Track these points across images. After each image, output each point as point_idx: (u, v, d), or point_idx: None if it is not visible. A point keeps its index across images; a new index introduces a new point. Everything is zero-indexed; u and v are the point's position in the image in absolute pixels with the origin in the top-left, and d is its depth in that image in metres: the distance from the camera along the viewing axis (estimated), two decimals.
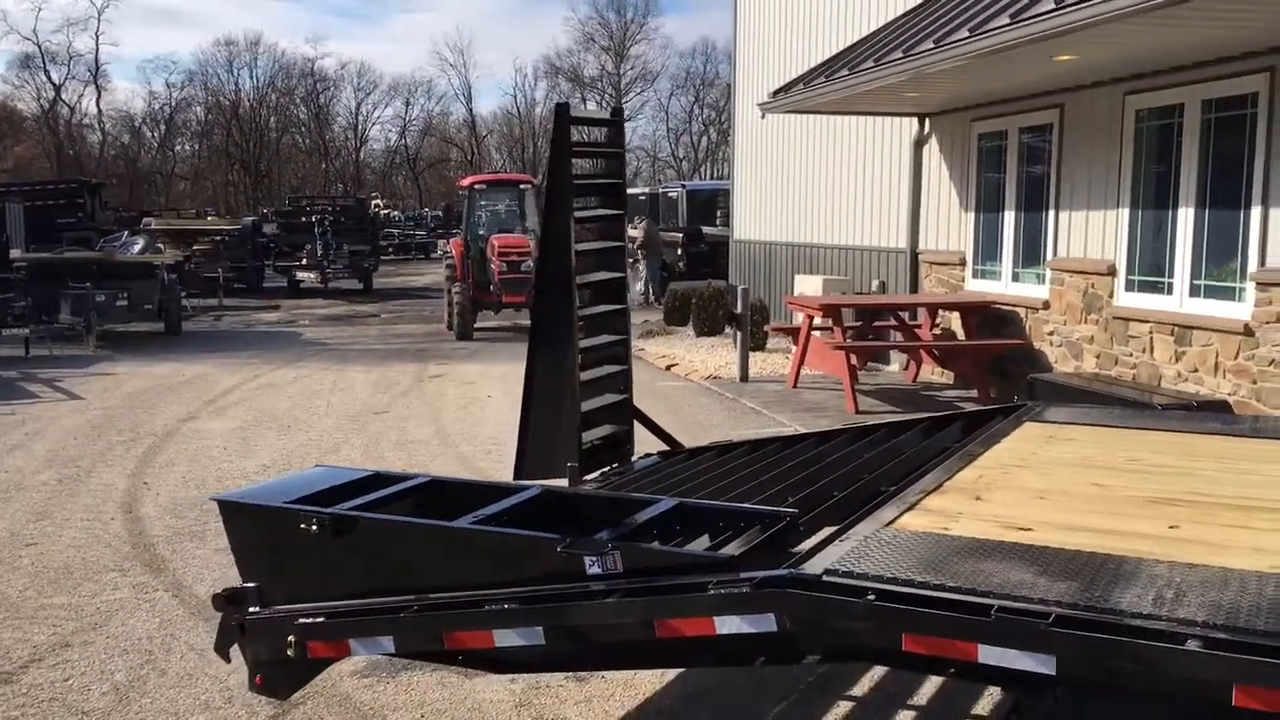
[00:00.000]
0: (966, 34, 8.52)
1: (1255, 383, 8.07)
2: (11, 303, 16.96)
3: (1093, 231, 9.97)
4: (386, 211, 49.16)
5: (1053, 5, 7.39)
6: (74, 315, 17.05)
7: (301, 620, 3.62)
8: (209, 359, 15.68)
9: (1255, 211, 8.10)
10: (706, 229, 26.05)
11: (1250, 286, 8.16)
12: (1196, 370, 8.67)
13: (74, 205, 25.60)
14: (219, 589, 3.94)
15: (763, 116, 14.48)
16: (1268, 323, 7.97)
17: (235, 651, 3.88)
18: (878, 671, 4.56)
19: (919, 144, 12.81)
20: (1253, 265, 8.13)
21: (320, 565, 3.70)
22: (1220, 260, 8.56)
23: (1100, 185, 9.82)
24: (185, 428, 10.49)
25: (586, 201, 5.50)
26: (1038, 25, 7.58)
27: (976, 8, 9.21)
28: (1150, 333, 9.21)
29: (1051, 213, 10.55)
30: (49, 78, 63.65)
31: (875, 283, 13.85)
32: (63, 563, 6.38)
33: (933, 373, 12.61)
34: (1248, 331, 8.14)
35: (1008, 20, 7.94)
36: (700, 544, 3.65)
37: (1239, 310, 8.29)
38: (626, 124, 5.74)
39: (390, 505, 3.92)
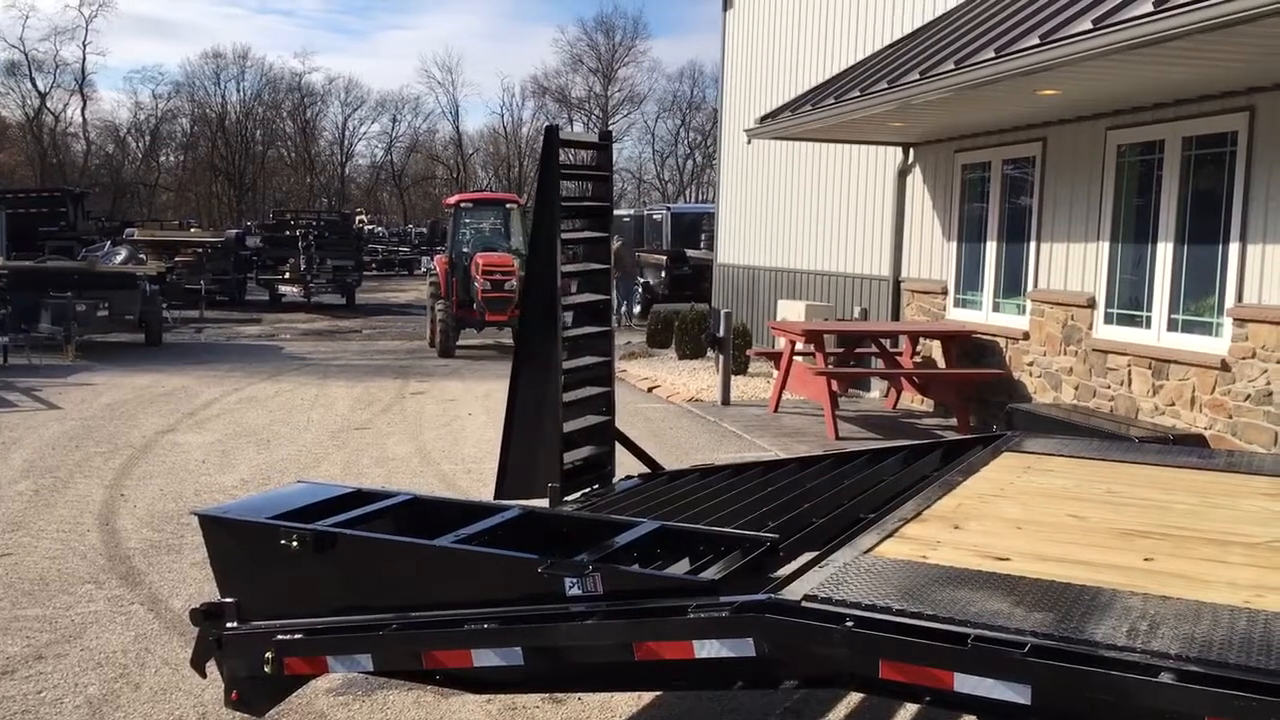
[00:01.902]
0: (952, 66, 8.62)
1: (1231, 418, 8.15)
2: None
3: (1073, 264, 10.07)
4: (371, 227, 49.11)
5: (1037, 41, 7.49)
6: (54, 324, 16.93)
7: (279, 636, 3.62)
8: (189, 371, 15.61)
9: (1233, 248, 8.20)
10: (690, 252, 26.16)
11: (1228, 322, 8.25)
12: (1173, 404, 8.75)
13: (56, 214, 25.46)
14: (195, 603, 3.94)
15: (749, 142, 14.58)
16: (1244, 358, 8.06)
17: (211, 667, 3.87)
18: (854, 698, 4.57)
19: (903, 173, 12.92)
20: (1230, 301, 8.22)
21: (300, 581, 3.69)
22: (1198, 295, 8.66)
23: (1081, 218, 9.92)
24: (164, 440, 10.43)
25: (573, 223, 5.53)
26: (1022, 60, 7.68)
27: (962, 41, 9.32)
28: (1128, 366, 9.29)
29: (1033, 244, 10.64)
30: (35, 85, 63.55)
31: (857, 310, 13.92)
32: (38, 574, 6.33)
33: (913, 400, 12.68)
34: (1224, 367, 8.22)
35: (993, 54, 8.04)
36: (680, 567, 3.66)
37: (1216, 345, 8.37)
38: (613, 146, 5.78)
39: (371, 523, 3.92)
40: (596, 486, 5.30)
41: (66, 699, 4.66)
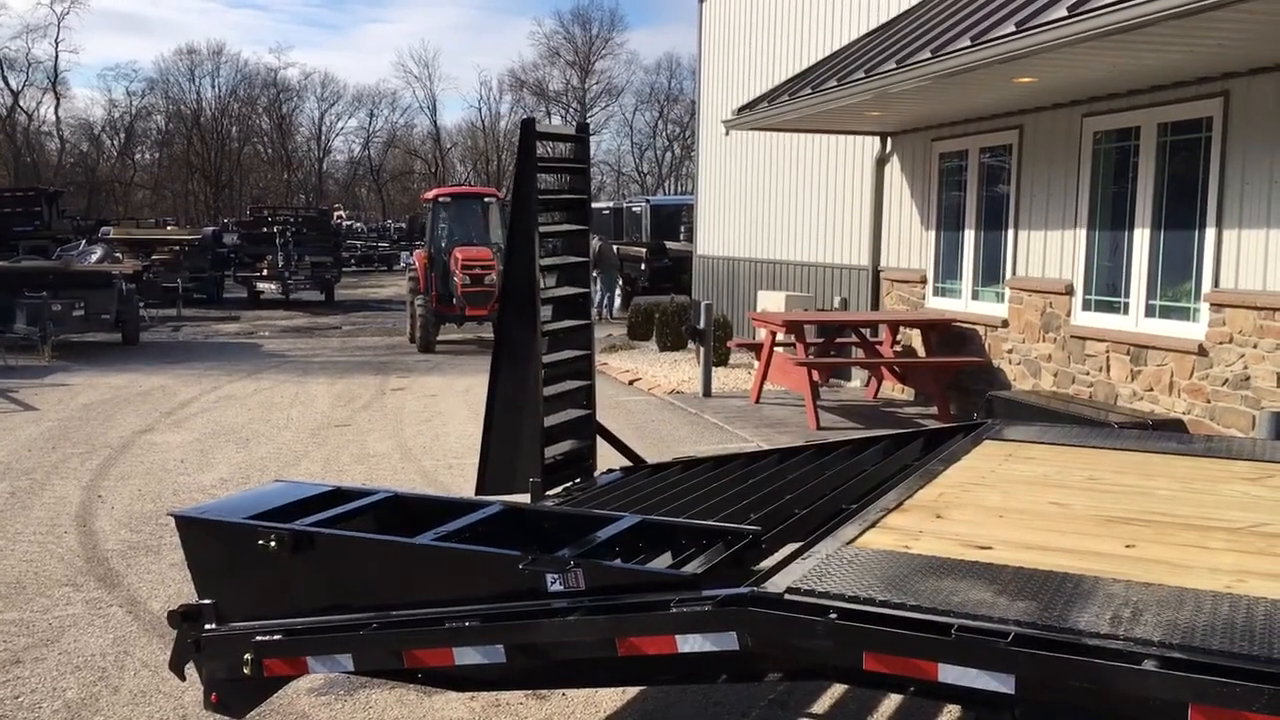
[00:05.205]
0: (929, 55, 8.61)
1: (1209, 402, 8.19)
2: None
3: (1051, 251, 10.09)
4: (349, 223, 48.87)
5: (1013, 29, 7.49)
6: (29, 324, 16.78)
7: (259, 637, 3.58)
8: (167, 370, 15.50)
9: (1210, 233, 8.23)
10: (670, 244, 26.16)
11: (1204, 307, 8.28)
12: (1152, 389, 8.79)
13: (31, 213, 25.25)
14: (174, 605, 3.90)
15: (727, 133, 14.55)
16: (1221, 343, 8.09)
17: (191, 669, 3.83)
18: (838, 689, 4.57)
19: (881, 162, 12.92)
20: (1207, 286, 8.25)
21: (279, 582, 3.66)
22: (1175, 281, 8.69)
23: (1058, 206, 9.95)
24: (142, 440, 10.35)
25: (551, 216, 5.50)
26: (998, 48, 7.68)
27: (939, 29, 9.32)
28: (1106, 352, 9.32)
29: (1010, 232, 10.67)
30: (7, 84, 62.73)
31: (837, 299, 13.94)
32: (14, 577, 6.27)
33: (893, 389, 12.70)
34: (1202, 351, 8.26)
35: (969, 42, 8.04)
36: (663, 561, 3.65)
37: (1193, 330, 8.41)
38: (591, 139, 5.75)
39: (351, 521, 3.89)
40: (578, 481, 5.28)
41: (45, 703, 4.61)
